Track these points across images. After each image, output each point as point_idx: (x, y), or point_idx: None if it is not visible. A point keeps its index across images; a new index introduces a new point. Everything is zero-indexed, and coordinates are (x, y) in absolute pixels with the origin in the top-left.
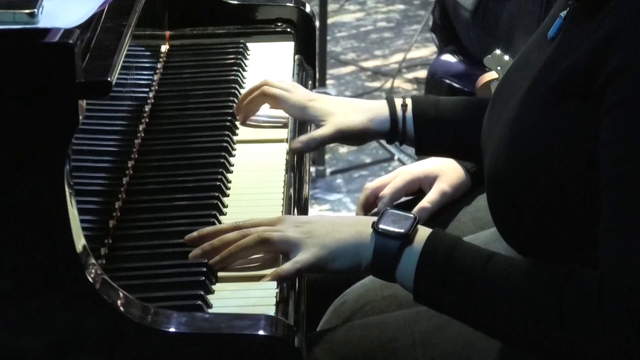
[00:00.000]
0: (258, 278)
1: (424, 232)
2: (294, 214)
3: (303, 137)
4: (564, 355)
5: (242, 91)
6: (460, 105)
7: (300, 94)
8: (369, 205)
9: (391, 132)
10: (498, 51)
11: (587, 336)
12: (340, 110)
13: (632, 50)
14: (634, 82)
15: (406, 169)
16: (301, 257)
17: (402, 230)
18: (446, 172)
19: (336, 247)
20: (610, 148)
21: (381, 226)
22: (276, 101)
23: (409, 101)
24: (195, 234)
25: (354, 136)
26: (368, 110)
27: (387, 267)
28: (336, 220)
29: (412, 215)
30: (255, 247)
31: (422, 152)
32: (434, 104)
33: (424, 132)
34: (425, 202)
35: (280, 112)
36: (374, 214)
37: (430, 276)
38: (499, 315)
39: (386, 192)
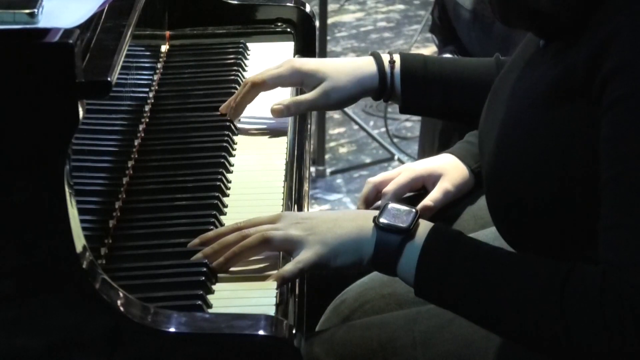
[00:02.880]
0: (258, 278)
1: (425, 227)
2: None
3: (285, 101)
4: (565, 351)
5: None
6: (447, 65)
7: (285, 65)
8: (370, 200)
9: (378, 90)
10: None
11: (588, 332)
12: (330, 74)
13: (631, 48)
14: (633, 79)
15: (410, 167)
16: (303, 257)
17: (403, 225)
18: (450, 171)
19: (338, 244)
20: (610, 145)
21: (382, 220)
22: (271, 83)
23: (396, 57)
24: (196, 240)
25: (341, 101)
26: (356, 71)
27: (389, 262)
28: (337, 216)
29: (413, 210)
30: (258, 247)
31: (407, 110)
32: (422, 62)
33: (411, 90)
34: (429, 200)
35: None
36: (375, 209)
37: (431, 271)
38: (500, 310)
39: (389, 188)
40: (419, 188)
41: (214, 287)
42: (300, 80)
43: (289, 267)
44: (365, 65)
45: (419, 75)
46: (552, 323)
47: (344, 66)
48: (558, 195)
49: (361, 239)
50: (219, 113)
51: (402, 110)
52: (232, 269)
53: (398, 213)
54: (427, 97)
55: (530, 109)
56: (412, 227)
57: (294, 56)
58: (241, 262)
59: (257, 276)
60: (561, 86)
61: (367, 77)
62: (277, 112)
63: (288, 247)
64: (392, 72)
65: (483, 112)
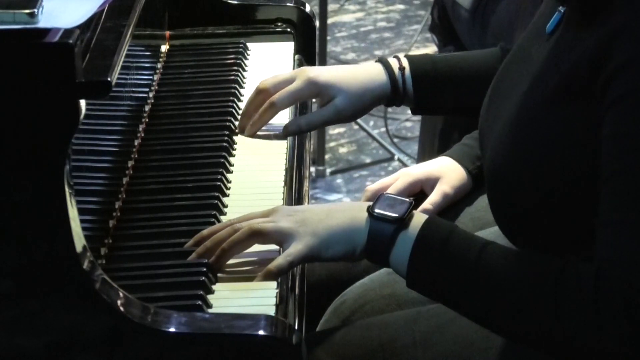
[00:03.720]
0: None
1: (419, 218)
2: None
3: (298, 120)
4: (559, 347)
5: (242, 91)
6: (456, 62)
7: (301, 78)
8: None
9: (391, 97)
10: None
11: (582, 328)
12: (343, 89)
13: (635, 46)
14: (636, 77)
15: (408, 171)
16: (293, 249)
17: (397, 215)
18: (448, 173)
19: (329, 234)
20: (611, 142)
21: (376, 210)
22: (290, 102)
23: (405, 62)
24: (191, 241)
25: (354, 116)
26: (368, 83)
27: (381, 251)
28: (330, 207)
29: (407, 200)
30: (248, 240)
31: (420, 111)
32: (431, 63)
33: (424, 93)
34: (427, 203)
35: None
36: None
37: (424, 262)
38: (492, 304)
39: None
40: (417, 192)
41: (214, 287)
42: (316, 93)
43: (279, 261)
44: (375, 75)
45: (430, 77)
46: (545, 319)
47: (355, 78)
48: (562, 192)
49: (353, 229)
50: (219, 112)
51: (415, 112)
52: (232, 269)
53: (392, 203)
54: (440, 96)
55: (534, 106)
56: (405, 217)
57: (293, 56)
58: (240, 262)
59: (257, 276)
60: (565, 84)
61: (379, 87)
62: (290, 132)
63: (279, 239)
64: (403, 78)
65: (483, 107)
